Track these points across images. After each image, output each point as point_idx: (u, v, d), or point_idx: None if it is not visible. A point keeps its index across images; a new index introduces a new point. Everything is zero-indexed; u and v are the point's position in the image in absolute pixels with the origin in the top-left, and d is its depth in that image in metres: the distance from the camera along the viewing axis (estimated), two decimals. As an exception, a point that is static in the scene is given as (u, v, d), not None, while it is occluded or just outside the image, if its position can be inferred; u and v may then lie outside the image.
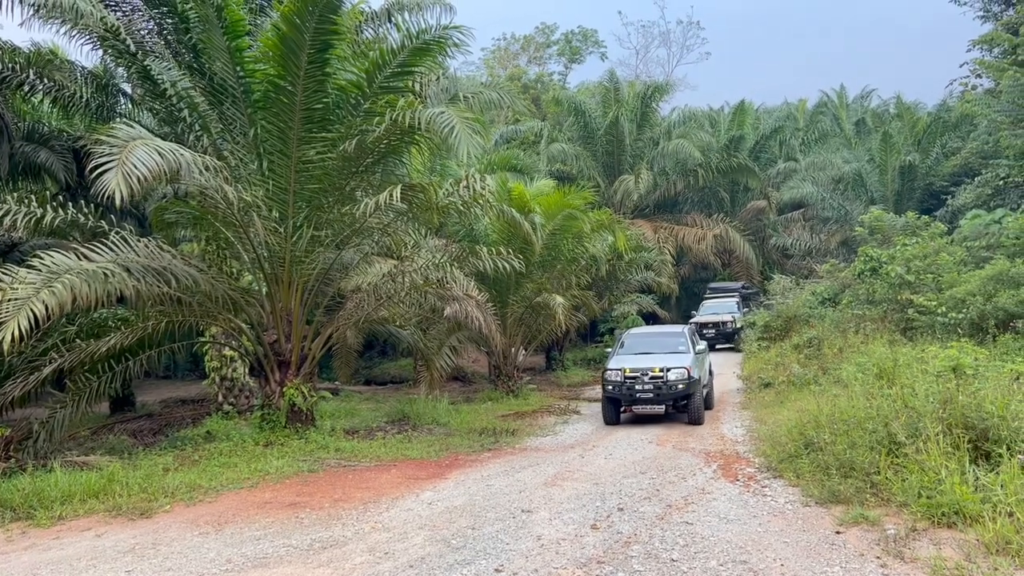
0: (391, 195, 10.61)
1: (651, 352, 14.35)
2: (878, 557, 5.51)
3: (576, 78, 62.13)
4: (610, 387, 13.50)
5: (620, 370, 13.50)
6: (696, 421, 13.20)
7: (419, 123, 10.19)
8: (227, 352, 15.12)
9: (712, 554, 5.75)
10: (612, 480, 8.60)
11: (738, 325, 25.77)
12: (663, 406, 13.24)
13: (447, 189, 12.57)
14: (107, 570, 5.92)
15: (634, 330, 17.07)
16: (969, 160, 27.16)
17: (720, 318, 26.82)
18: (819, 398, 10.34)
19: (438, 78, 14.32)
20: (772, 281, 26.48)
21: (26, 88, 14.35)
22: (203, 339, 14.79)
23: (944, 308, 14.72)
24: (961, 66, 30.13)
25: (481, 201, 12.43)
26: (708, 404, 15.73)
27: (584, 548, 6.01)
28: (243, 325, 12.29)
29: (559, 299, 17.56)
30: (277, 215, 11.57)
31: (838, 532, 6.19)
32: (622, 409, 13.91)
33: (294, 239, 11.61)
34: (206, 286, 10.95)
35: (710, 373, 16.23)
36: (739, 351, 24.32)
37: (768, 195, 34.90)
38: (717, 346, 25.58)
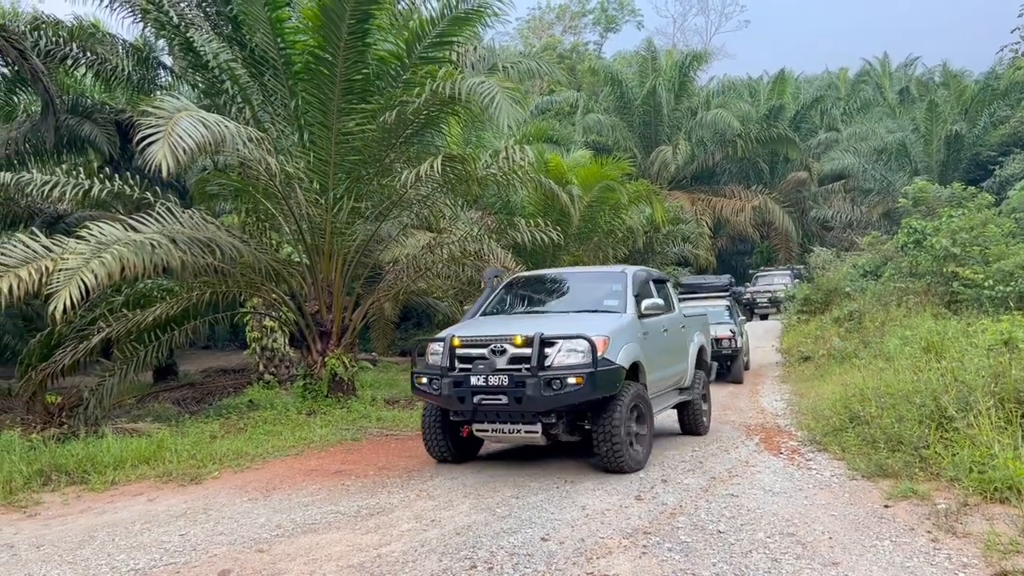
0: (432, 166, 10.61)
1: (543, 312, 8.73)
2: (929, 532, 5.44)
3: (612, 48, 61.44)
4: (424, 382, 7.50)
5: (444, 342, 7.53)
6: (621, 469, 7.35)
7: (459, 93, 10.13)
8: (267, 323, 15.30)
9: (759, 526, 5.72)
10: (653, 452, 8.58)
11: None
12: (536, 425, 7.29)
13: (486, 160, 12.53)
14: (161, 533, 6.05)
15: (525, 272, 10.58)
16: (1018, 129, 26.46)
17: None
18: (864, 371, 10.21)
19: (475, 48, 14.24)
20: (812, 254, 26.16)
21: (69, 62, 14.53)
22: (244, 310, 14.99)
23: (991, 281, 14.39)
24: (1013, 31, 29.24)
25: (519, 172, 12.38)
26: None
27: (629, 519, 6.01)
28: (284, 296, 12.42)
29: (596, 271, 17.52)
30: (318, 187, 11.63)
31: (886, 506, 6.11)
32: (461, 431, 7.90)
33: (335, 211, 11.66)
34: (249, 257, 11.06)
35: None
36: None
37: (809, 166, 34.35)
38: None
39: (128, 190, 10.52)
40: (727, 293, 18.58)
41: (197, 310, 11.93)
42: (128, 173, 10.81)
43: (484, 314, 8.76)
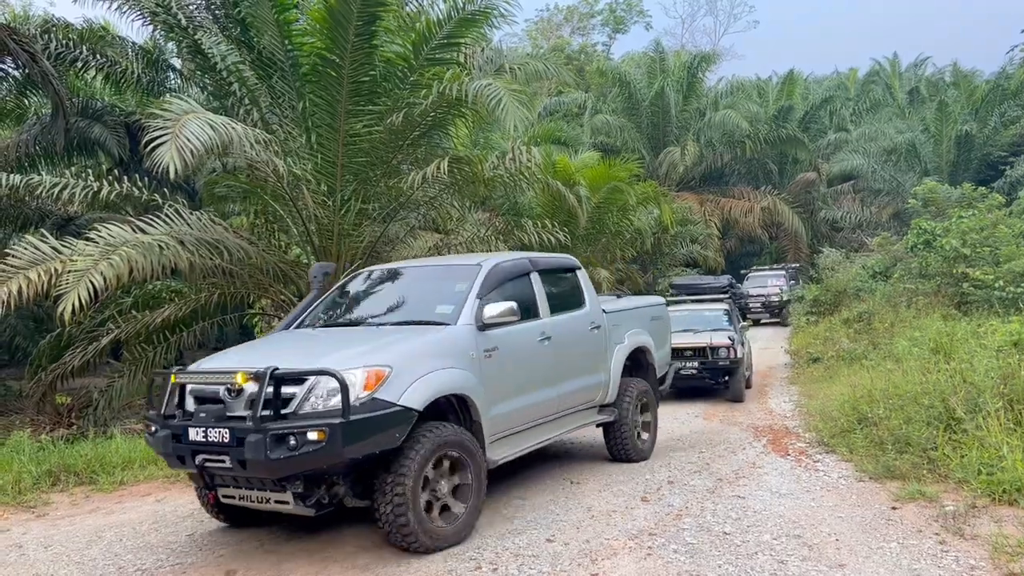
0: (438, 167, 10.61)
1: (355, 325, 6.86)
2: (936, 533, 5.42)
3: (620, 48, 61.41)
4: (152, 432, 5.50)
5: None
6: (409, 548, 5.37)
7: (466, 95, 10.12)
8: (276, 324, 15.32)
9: (765, 528, 5.71)
10: (660, 453, 8.57)
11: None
12: (286, 494, 5.29)
13: (492, 161, 12.54)
14: (168, 533, 6.09)
15: (370, 267, 8.13)
16: (1029, 129, 26.27)
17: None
18: (872, 372, 10.17)
19: (483, 49, 14.26)
20: (821, 255, 26.06)
21: (79, 64, 14.63)
22: (253, 311, 15.03)
23: (1002, 282, 14.31)
24: (1023, 31, 29.04)
25: (527, 174, 12.38)
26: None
27: (635, 520, 6.01)
28: (293, 297, 12.43)
29: (604, 273, 17.51)
30: (325, 188, 11.65)
31: (894, 508, 6.09)
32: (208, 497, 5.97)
33: (342, 212, 11.68)
34: (257, 259, 11.10)
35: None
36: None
37: (818, 167, 34.25)
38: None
39: (137, 192, 10.56)
40: (726, 295, 16.28)
41: (206, 311, 11.98)
42: (137, 175, 10.86)
43: (300, 325, 6.90)
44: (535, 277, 7.22)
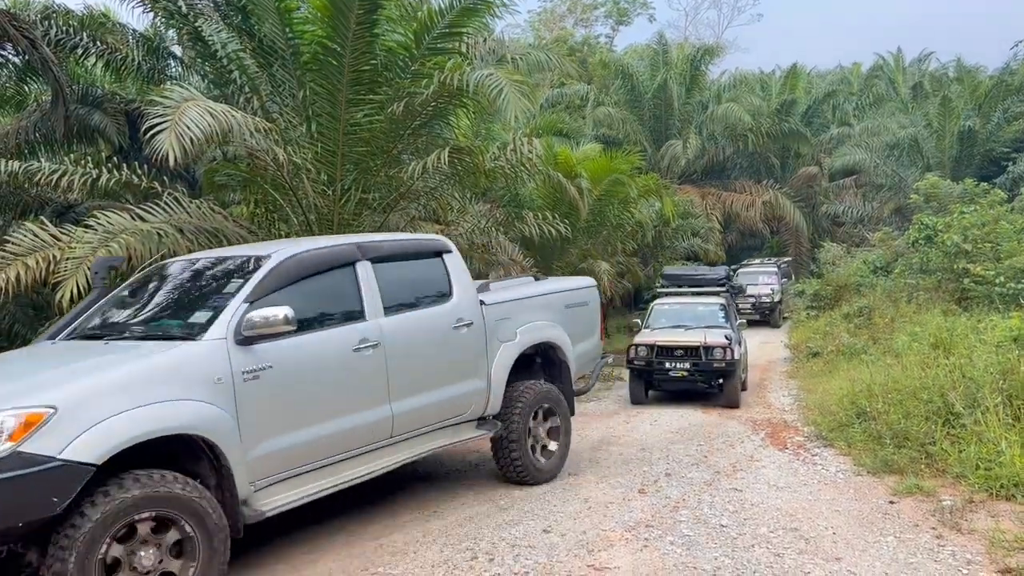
0: (439, 158, 10.57)
1: (109, 340, 5.30)
2: (933, 528, 5.42)
3: (623, 41, 61.24)
4: None
5: None
6: None
7: (468, 85, 10.07)
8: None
9: (762, 521, 5.70)
10: (658, 446, 8.58)
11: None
12: None
13: (494, 153, 12.49)
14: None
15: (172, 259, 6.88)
16: (1032, 126, 26.20)
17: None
18: (872, 367, 10.16)
19: (485, 40, 14.19)
20: (822, 249, 26.01)
21: (80, 51, 14.54)
22: (253, 301, 15.01)
23: (1003, 278, 14.28)
24: (1027, 27, 28.96)
25: (528, 165, 12.33)
26: None
27: (632, 511, 6.01)
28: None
29: (605, 265, 17.47)
30: (326, 178, 11.61)
31: (891, 502, 6.09)
32: None
33: (342, 202, 11.65)
34: (256, 248, 11.07)
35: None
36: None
37: (820, 161, 34.18)
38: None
39: (136, 180, 10.52)
40: (723, 288, 14.33)
41: (205, 300, 11.95)
42: (137, 163, 10.83)
43: (69, 336, 5.53)
44: (364, 268, 5.77)
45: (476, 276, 14.99)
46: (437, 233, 13.71)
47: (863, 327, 16.06)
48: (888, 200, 31.10)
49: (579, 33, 51.25)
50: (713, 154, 32.13)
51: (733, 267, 27.99)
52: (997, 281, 14.26)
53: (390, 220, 13.03)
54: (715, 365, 11.49)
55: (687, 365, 11.70)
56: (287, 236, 13.46)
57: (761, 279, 24.36)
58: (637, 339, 12.49)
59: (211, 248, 10.22)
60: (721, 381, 11.64)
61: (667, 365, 11.78)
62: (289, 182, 10.96)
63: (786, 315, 24.59)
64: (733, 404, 11.67)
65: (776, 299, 23.11)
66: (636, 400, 12.27)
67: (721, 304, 13.49)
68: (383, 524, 5.79)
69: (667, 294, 14.70)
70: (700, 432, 9.55)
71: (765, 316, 23.56)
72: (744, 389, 12.66)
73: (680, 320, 12.99)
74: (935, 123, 30.93)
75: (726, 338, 11.75)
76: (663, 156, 30.06)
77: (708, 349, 11.57)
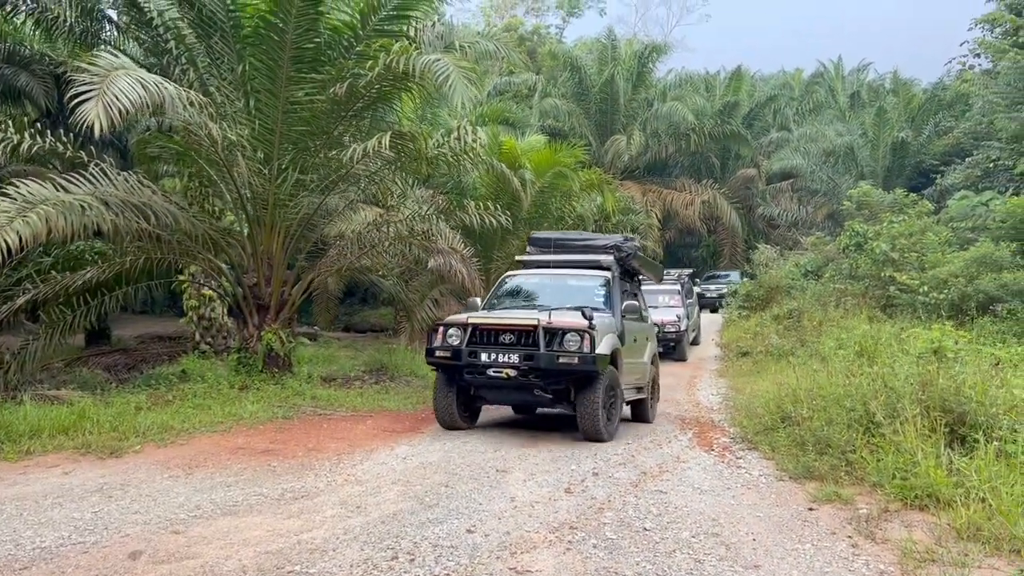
0: (380, 142, 10.40)
1: None
2: (849, 536, 5.52)
3: (573, 33, 61.26)
4: None
5: None
6: None
7: (413, 69, 9.92)
8: (206, 291, 14.91)
9: (685, 525, 5.74)
10: (588, 443, 8.58)
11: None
12: None
13: (437, 139, 12.35)
14: (73, 509, 5.82)
15: None
16: (961, 140, 27.14)
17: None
18: (798, 371, 10.36)
19: (434, 24, 13.98)
20: (757, 251, 26.51)
21: (8, 8, 13.85)
22: (182, 277, 14.57)
23: (926, 288, 14.77)
24: (961, 45, 29.87)
25: (471, 154, 12.24)
26: None
27: (557, 512, 5.98)
28: (223, 266, 12.10)
29: (544, 257, 17.43)
30: (262, 156, 11.32)
31: (811, 509, 6.19)
32: None
33: (278, 181, 11.38)
34: (186, 224, 10.74)
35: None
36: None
37: (758, 164, 34.88)
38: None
39: (62, 148, 10.06)
40: (612, 257, 10.02)
41: (131, 275, 11.53)
42: (65, 129, 10.36)
43: None
44: None
45: (415, 262, 14.85)
46: (377, 217, 13.53)
47: (792, 329, 16.43)
48: (822, 205, 31.89)
49: (530, 22, 51.13)
50: (656, 151, 32.47)
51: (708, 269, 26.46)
52: (921, 290, 14.73)
53: (328, 202, 12.79)
54: (561, 361, 7.78)
55: (514, 359, 7.88)
56: (221, 213, 13.12)
57: (660, 299, 18.52)
58: (448, 318, 9.04)
59: (138, 223, 9.85)
60: (569, 390, 8.05)
61: (483, 359, 7.89)
62: (223, 158, 10.66)
63: (698, 341, 21.28)
64: (595, 436, 8.11)
65: (682, 326, 18.26)
66: (447, 422, 8.54)
67: (604, 280, 9.63)
68: (304, 519, 5.65)
69: (530, 263, 10.73)
70: (630, 430, 9.59)
71: (669, 348, 17.83)
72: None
73: (540, 300, 9.37)
74: (870, 132, 31.82)
75: (586, 318, 8.09)
76: (607, 151, 30.25)
77: (553, 333, 7.86)
